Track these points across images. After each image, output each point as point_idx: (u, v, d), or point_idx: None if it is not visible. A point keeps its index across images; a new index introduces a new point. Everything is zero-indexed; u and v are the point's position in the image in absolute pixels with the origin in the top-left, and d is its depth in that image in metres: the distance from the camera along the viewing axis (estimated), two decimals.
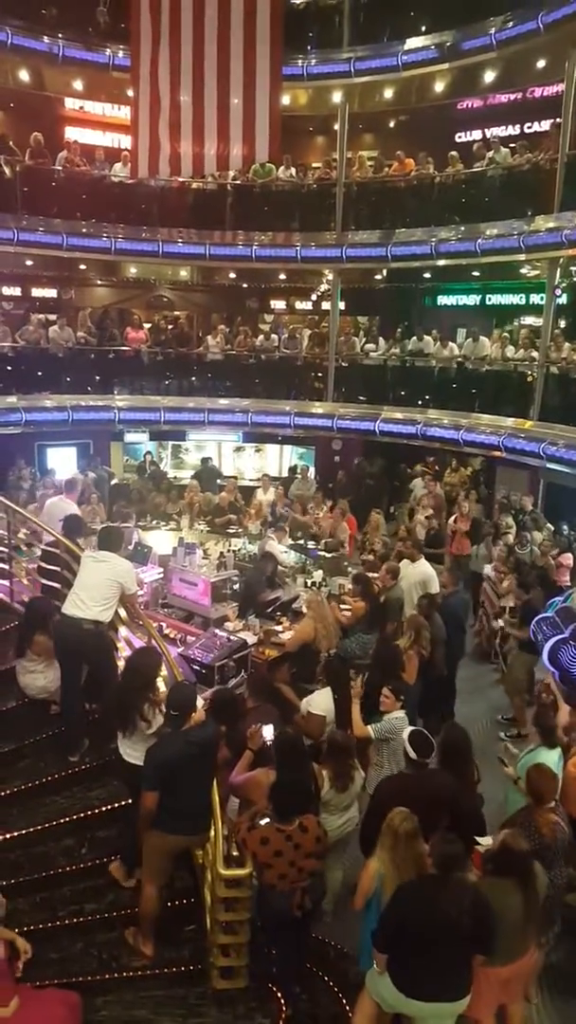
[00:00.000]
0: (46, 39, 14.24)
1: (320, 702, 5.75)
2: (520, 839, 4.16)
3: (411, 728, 4.99)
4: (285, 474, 16.73)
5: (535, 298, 16.78)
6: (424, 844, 4.04)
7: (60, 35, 14.37)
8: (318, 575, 9.91)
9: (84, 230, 14.92)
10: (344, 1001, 4.53)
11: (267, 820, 4.35)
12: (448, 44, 13.88)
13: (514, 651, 8.73)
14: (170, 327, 17.13)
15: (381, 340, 16.11)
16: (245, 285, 19.55)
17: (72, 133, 17.44)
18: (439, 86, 15.04)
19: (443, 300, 18.91)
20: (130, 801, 4.98)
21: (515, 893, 3.97)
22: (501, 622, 9.49)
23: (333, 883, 5.31)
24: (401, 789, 4.62)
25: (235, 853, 4.36)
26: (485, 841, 4.67)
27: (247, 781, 4.86)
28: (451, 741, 5.12)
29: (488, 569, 10.46)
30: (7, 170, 14.18)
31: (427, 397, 15.10)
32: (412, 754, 4.73)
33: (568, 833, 4.80)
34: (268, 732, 5.08)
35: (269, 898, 4.36)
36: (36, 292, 18.84)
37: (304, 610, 7.88)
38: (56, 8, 14.66)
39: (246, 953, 4.47)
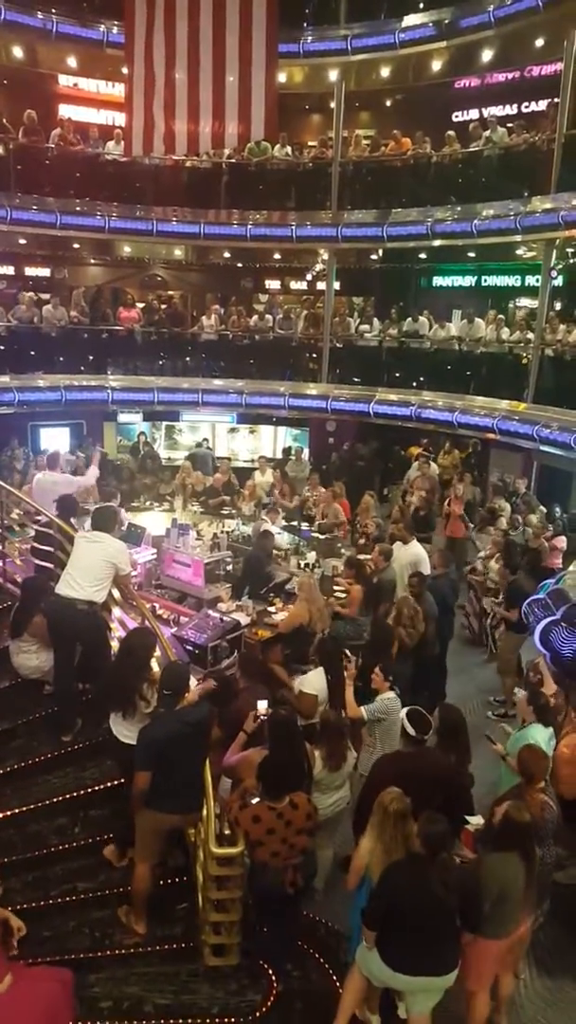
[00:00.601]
0: (40, 14, 14.05)
1: (313, 682, 5.77)
2: (523, 811, 4.18)
3: (409, 707, 5.01)
4: (279, 455, 16.69)
5: (531, 280, 16.75)
6: (414, 824, 4.07)
7: (54, 11, 14.16)
8: (311, 557, 9.93)
9: (78, 208, 14.75)
10: (335, 977, 4.59)
11: (257, 799, 4.38)
12: (446, 21, 13.71)
13: (503, 632, 8.78)
14: (163, 306, 17.02)
15: (376, 321, 16.03)
16: (240, 265, 19.46)
17: (66, 110, 17.27)
18: (436, 64, 14.86)
19: (439, 281, 18.83)
20: (123, 781, 5.01)
21: (518, 866, 4.03)
22: (488, 602, 9.53)
23: (324, 861, 5.36)
24: (398, 767, 4.65)
25: (227, 832, 4.38)
26: (475, 820, 4.72)
27: (241, 761, 4.89)
28: (448, 721, 5.20)
29: (480, 551, 10.49)
30: (0, 148, 14.01)
31: (422, 379, 15.07)
32: (412, 731, 4.75)
33: (557, 813, 4.85)
34: (262, 706, 5.08)
35: (261, 876, 4.41)
36: (29, 271, 18.72)
37: (297, 592, 7.88)
38: None
39: (238, 931, 4.51)
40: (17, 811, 5.19)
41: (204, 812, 4.48)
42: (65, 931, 4.64)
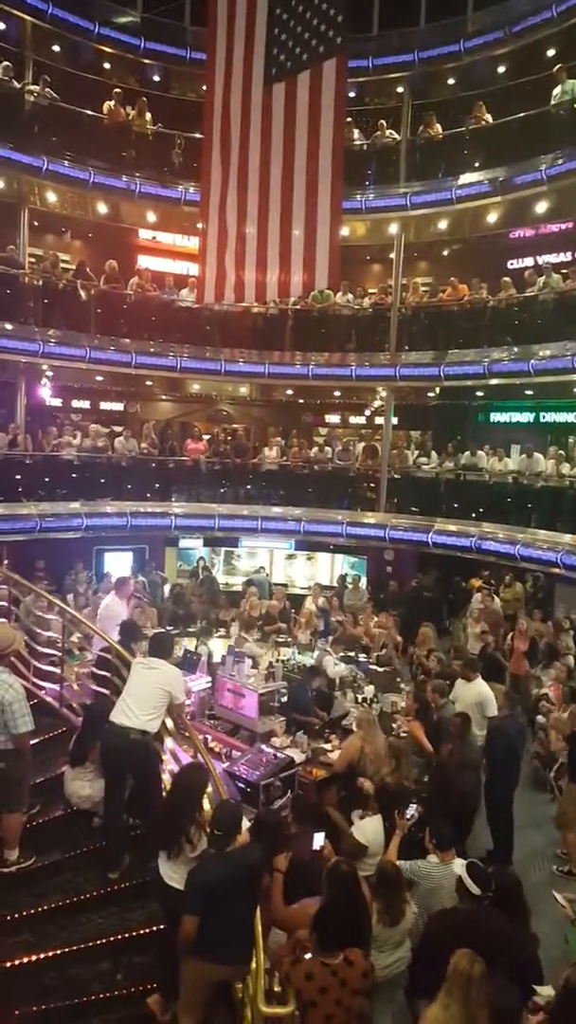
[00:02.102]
0: (124, 178, 15.60)
1: (368, 829, 5.49)
2: None
3: (468, 860, 4.69)
4: (336, 583, 16.68)
5: None
6: None
7: (137, 174, 15.72)
8: (369, 691, 9.64)
9: (152, 350, 15.90)
10: None
11: (310, 953, 4.08)
12: (500, 179, 14.57)
13: (566, 782, 8.23)
14: (228, 438, 17.75)
15: (434, 454, 16.32)
16: (301, 401, 20.23)
17: (145, 261, 18.70)
18: (492, 217, 15.73)
19: (496, 417, 19.12)
20: (166, 927, 4.77)
21: None
22: (553, 742, 9.03)
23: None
24: (455, 926, 4.31)
25: (277, 989, 4.08)
26: (544, 991, 4.27)
27: (296, 913, 4.58)
28: (502, 886, 4.73)
29: (547, 691, 10.06)
30: (83, 294, 15.31)
31: (481, 510, 15.11)
32: (474, 889, 4.41)
33: None
34: (319, 840, 4.80)
35: None
36: (104, 405, 19.81)
37: (354, 728, 7.64)
38: (135, 150, 16.10)
39: None
40: (59, 952, 4.98)
41: (253, 965, 4.21)
42: None
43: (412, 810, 5.53)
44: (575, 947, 4.85)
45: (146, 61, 17.05)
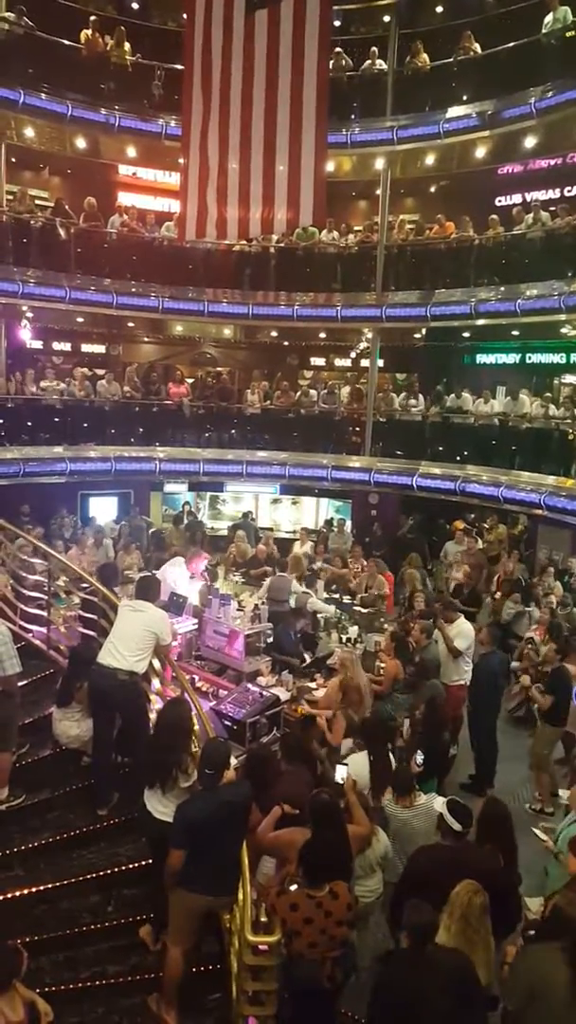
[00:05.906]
0: (103, 111, 14.94)
1: (354, 764, 5.61)
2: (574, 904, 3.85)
3: (449, 797, 4.80)
4: (321, 527, 16.73)
5: None
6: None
7: (117, 107, 15.04)
8: (353, 631, 9.79)
9: (133, 290, 15.52)
10: None
11: (296, 886, 4.21)
12: (489, 112, 14.08)
13: (539, 723, 8.42)
14: (213, 381, 17.53)
15: (421, 396, 16.21)
16: (286, 343, 19.96)
17: (125, 198, 18.19)
18: (480, 152, 15.24)
19: (482, 359, 19.01)
20: (154, 860, 4.88)
21: (558, 964, 3.56)
22: (528, 679, 9.18)
23: (361, 954, 5.08)
24: (437, 861, 4.42)
25: (263, 919, 4.20)
26: (534, 905, 4.42)
27: (277, 840, 4.73)
28: (491, 815, 4.86)
29: (531, 634, 10.19)
30: (62, 232, 14.87)
31: (466, 453, 15.11)
32: (456, 826, 4.52)
33: None
34: (341, 772, 4.88)
35: (298, 968, 4.17)
36: (85, 347, 19.48)
37: (337, 668, 7.76)
38: (114, 82, 15.41)
39: None
40: (50, 886, 5.10)
41: (240, 897, 4.33)
42: (94, 1017, 4.47)
43: (420, 756, 5.70)
44: (554, 878, 4.98)
45: None
